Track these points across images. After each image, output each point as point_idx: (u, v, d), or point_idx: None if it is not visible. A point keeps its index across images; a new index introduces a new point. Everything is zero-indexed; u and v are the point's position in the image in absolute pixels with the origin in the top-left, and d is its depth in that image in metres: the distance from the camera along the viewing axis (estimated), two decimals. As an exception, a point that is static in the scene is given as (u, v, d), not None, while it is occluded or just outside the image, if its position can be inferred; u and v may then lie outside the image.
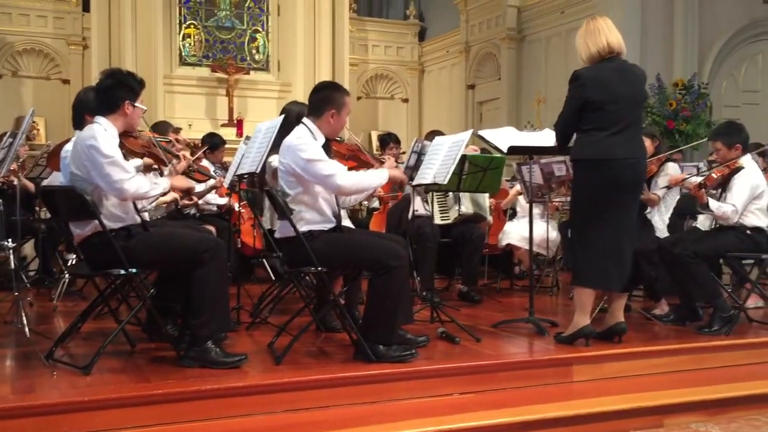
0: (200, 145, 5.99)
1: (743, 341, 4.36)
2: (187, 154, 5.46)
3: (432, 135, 5.31)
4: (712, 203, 4.56)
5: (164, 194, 3.79)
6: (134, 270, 3.46)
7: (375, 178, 3.86)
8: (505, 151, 4.56)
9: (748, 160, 4.70)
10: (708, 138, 5.25)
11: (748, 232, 4.62)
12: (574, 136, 4.09)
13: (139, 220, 3.54)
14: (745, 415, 3.75)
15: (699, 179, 4.62)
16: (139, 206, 3.60)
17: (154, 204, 4.29)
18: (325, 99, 3.85)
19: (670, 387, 3.82)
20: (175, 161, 3.84)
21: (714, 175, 4.63)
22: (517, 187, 6.52)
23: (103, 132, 3.43)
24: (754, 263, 4.98)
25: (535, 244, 5.88)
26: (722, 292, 4.66)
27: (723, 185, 4.67)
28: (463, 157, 5.13)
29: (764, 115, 9.58)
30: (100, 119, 3.52)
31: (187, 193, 3.94)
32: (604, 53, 3.97)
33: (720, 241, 4.66)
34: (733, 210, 4.55)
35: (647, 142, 5.26)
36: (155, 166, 4.09)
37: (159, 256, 3.50)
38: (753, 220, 4.63)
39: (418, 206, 5.58)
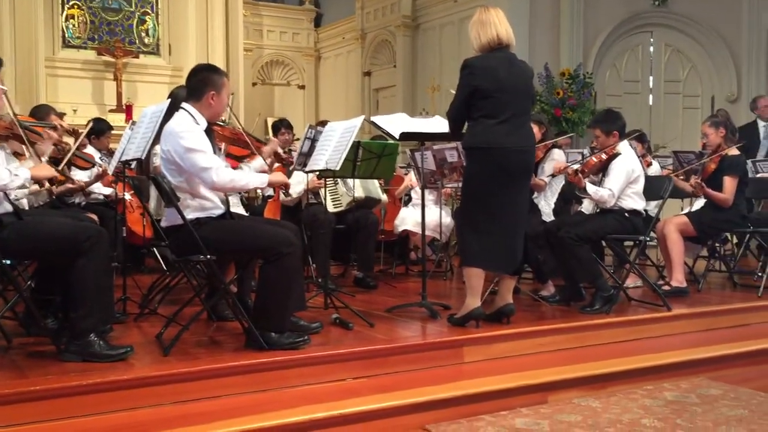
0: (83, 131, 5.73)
1: (622, 319, 4.57)
2: (70, 141, 5.23)
3: (323, 124, 5.30)
4: (590, 187, 4.78)
5: (24, 186, 3.55)
6: (8, 261, 3.27)
7: (253, 180, 3.78)
8: (397, 137, 4.59)
9: (625, 146, 4.93)
10: (588, 125, 5.48)
11: (627, 214, 4.86)
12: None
13: (11, 208, 3.34)
14: (624, 388, 3.92)
15: (577, 167, 4.82)
16: (12, 196, 3.40)
17: (26, 191, 4.04)
18: (204, 81, 3.76)
19: (554, 365, 3.96)
20: (39, 143, 3.64)
21: (593, 161, 4.84)
22: (412, 175, 6.60)
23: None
24: (633, 245, 5.23)
25: (429, 230, 5.99)
26: (603, 272, 4.88)
27: (602, 170, 4.89)
28: (357, 144, 5.15)
29: (644, 104, 10.11)
30: (-45, 100, 3.30)
31: (51, 183, 3.73)
32: (493, 44, 4.06)
33: (601, 223, 4.88)
34: (610, 194, 4.78)
35: (534, 129, 5.44)
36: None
37: (34, 245, 3.31)
38: (631, 203, 4.87)
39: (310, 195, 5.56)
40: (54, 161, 4.88)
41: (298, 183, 5.72)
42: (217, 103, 3.77)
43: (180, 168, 3.62)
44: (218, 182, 3.62)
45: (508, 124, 4.02)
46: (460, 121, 4.17)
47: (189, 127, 3.63)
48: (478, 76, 3.99)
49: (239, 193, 5.17)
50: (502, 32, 4.06)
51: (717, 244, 6.42)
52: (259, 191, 7.18)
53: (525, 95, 4.18)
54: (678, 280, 5.36)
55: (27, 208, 4.11)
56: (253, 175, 3.81)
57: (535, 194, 5.39)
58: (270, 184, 3.86)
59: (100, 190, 6.07)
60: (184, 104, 3.77)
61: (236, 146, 4.15)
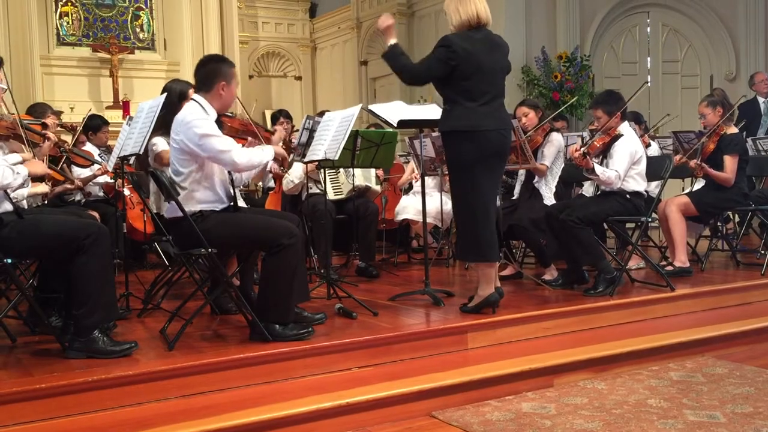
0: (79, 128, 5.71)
1: (626, 300, 4.56)
2: (68, 139, 5.22)
3: (322, 114, 5.28)
4: (598, 168, 4.75)
5: (23, 184, 3.54)
6: (9, 260, 3.26)
7: (264, 154, 3.82)
8: (395, 124, 4.57)
9: (626, 128, 4.91)
10: (589, 107, 5.44)
11: (628, 196, 4.84)
12: (441, 109, 4.15)
13: (11, 207, 3.33)
14: (629, 369, 3.93)
15: (582, 149, 4.78)
16: (12, 195, 3.39)
17: (26, 192, 4.03)
18: (213, 72, 3.76)
19: (559, 348, 3.95)
20: (44, 144, 3.63)
21: (596, 143, 4.82)
22: (413, 165, 6.58)
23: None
24: (635, 226, 5.21)
25: (430, 217, 5.98)
26: (605, 254, 4.86)
27: (604, 152, 4.87)
28: (356, 133, 5.13)
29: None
30: (-44, 100, 3.28)
31: (42, 180, 3.72)
32: (473, 22, 4.02)
33: (603, 206, 4.86)
34: (617, 175, 4.76)
35: (531, 113, 5.43)
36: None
37: (35, 244, 3.30)
38: (632, 184, 4.85)
39: (311, 185, 5.56)
40: (52, 160, 4.87)
41: (297, 171, 5.72)
42: (227, 93, 3.77)
43: (194, 156, 3.64)
44: (239, 162, 3.64)
45: (488, 107, 3.99)
46: (423, 81, 4.16)
47: (200, 116, 3.64)
48: (460, 57, 3.93)
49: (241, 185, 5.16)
50: (481, 9, 4.01)
51: (719, 223, 6.40)
52: (260, 183, 7.17)
53: (502, 76, 4.13)
54: (681, 260, 5.35)
55: (26, 207, 4.09)
56: (260, 151, 3.83)
57: (536, 178, 5.38)
58: (276, 155, 3.88)
59: (100, 180, 6.01)
60: (194, 95, 3.77)
61: (242, 138, 4.14)
